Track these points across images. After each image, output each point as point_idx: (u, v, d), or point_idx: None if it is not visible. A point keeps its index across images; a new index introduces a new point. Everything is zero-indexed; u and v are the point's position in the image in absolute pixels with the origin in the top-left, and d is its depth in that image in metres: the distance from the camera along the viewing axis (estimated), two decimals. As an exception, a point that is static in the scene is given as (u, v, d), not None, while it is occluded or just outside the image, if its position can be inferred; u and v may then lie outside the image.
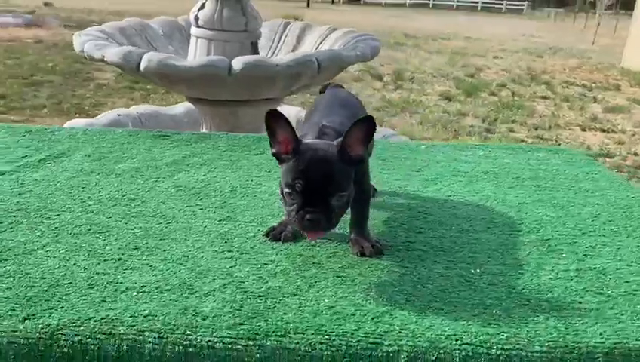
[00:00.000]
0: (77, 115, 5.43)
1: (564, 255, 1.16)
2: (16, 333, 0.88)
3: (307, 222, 1.02)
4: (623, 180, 1.59)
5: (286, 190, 1.04)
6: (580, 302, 1.00)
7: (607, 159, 5.13)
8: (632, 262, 1.14)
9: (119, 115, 3.07)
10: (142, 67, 2.14)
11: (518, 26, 15.30)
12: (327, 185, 1.02)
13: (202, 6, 2.55)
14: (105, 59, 2.21)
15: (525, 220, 1.33)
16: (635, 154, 5.27)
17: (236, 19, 2.51)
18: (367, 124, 1.04)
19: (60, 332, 0.88)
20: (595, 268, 1.12)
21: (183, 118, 3.17)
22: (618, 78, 9.52)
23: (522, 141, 5.49)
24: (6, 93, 6.01)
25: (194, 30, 2.61)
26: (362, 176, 1.17)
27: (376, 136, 2.92)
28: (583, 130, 6.13)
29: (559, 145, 5.39)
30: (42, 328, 0.89)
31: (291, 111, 3.25)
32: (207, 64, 2.13)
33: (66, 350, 0.87)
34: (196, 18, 2.55)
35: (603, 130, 6.11)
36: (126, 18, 2.82)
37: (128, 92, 6.47)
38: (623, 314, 0.97)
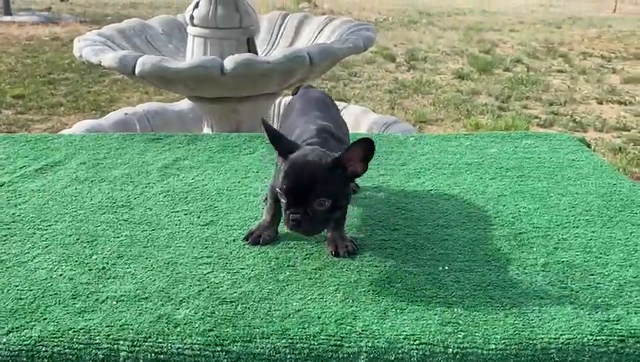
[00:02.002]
0: (93, 112, 5.56)
1: (534, 249, 1.18)
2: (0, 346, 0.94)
3: (291, 222, 1.09)
4: (607, 166, 1.59)
5: (277, 190, 1.12)
6: (542, 298, 1.02)
7: (624, 132, 5.05)
8: (600, 254, 1.16)
9: (126, 114, 3.14)
10: (137, 70, 2.19)
11: (536, -4, 14.97)
12: (308, 188, 1.07)
13: (197, 5, 2.58)
14: (102, 63, 2.27)
15: (502, 213, 1.35)
16: (653, 126, 5.17)
17: (230, 17, 2.54)
18: (368, 145, 1.08)
19: (41, 344, 0.94)
20: (563, 262, 1.13)
21: (188, 113, 3.22)
22: (639, 47, 9.27)
23: (536, 118, 5.43)
24: (24, 92, 6.14)
25: (190, 29, 2.65)
26: None
27: (378, 124, 2.90)
28: (600, 103, 6.02)
29: (574, 120, 5.31)
30: (24, 340, 0.95)
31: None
32: (199, 65, 2.17)
33: (46, 361, 0.93)
34: (191, 17, 2.59)
35: (620, 103, 5.99)
36: (125, 20, 2.87)
37: (142, 86, 6.54)
38: (582, 309, 0.99)
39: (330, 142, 1.18)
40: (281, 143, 1.13)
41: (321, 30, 2.88)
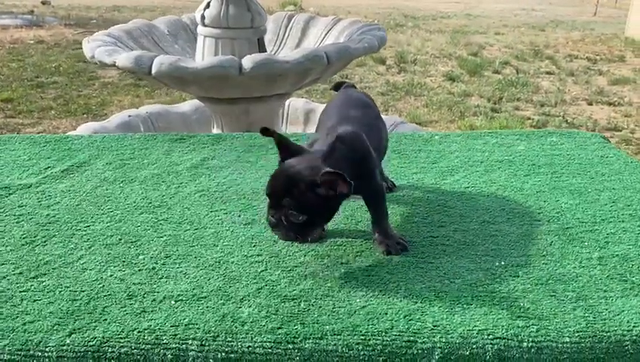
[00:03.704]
0: (84, 115, 5.46)
1: (585, 243, 1.19)
2: (64, 347, 0.91)
3: (269, 224, 1.12)
4: (637, 162, 1.61)
5: None
6: (605, 291, 1.03)
7: (616, 132, 5.13)
8: (652, 247, 1.17)
9: (130, 116, 3.09)
10: (153, 71, 2.16)
11: (518, 0, 15.17)
12: (282, 199, 1.08)
13: (208, 5, 2.56)
14: (116, 64, 2.24)
15: (544, 209, 1.35)
16: (643, 126, 5.26)
17: (242, 16, 2.52)
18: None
19: (107, 344, 0.92)
20: (617, 255, 1.14)
21: (192, 115, 3.18)
22: (622, 49, 9.43)
23: (529, 119, 5.49)
24: (12, 96, 6.03)
25: (201, 29, 2.62)
26: (368, 176, 1.18)
27: (386, 123, 2.91)
28: (590, 104, 6.11)
29: (566, 121, 5.38)
30: (89, 341, 0.92)
31: (299, 103, 3.26)
32: (218, 65, 2.15)
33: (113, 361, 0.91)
34: (202, 17, 2.56)
35: (609, 104, 6.09)
36: (132, 21, 2.83)
37: (133, 89, 6.48)
38: (647, 301, 0.99)
39: (338, 152, 1.14)
40: (282, 148, 1.13)
41: (329, 31, 2.87)
